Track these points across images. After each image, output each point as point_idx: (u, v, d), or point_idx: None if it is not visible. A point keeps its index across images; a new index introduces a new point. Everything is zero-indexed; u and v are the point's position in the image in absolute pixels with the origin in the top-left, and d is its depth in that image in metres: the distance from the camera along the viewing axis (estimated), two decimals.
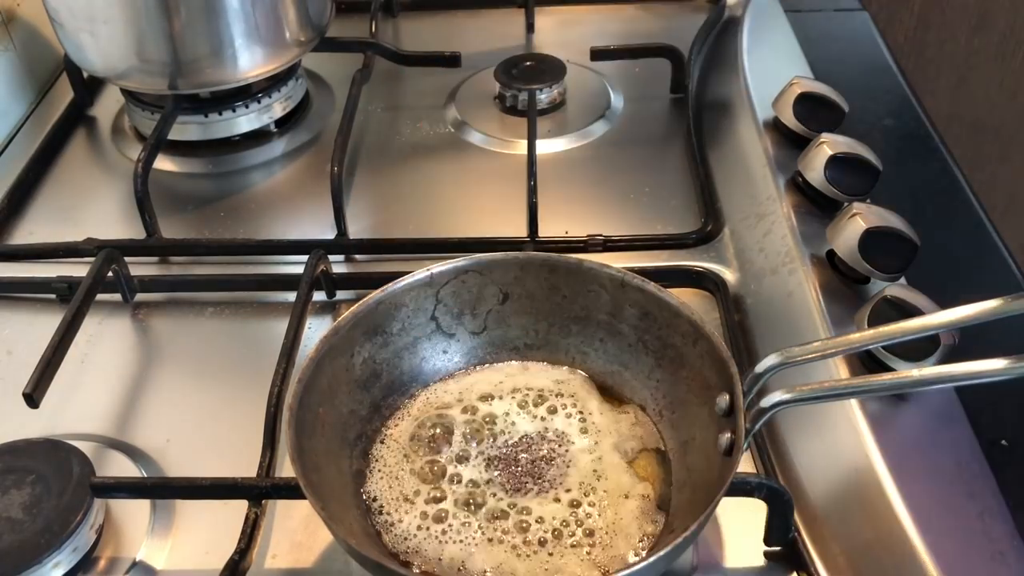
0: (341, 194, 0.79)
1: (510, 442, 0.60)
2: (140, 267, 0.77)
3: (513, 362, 0.66)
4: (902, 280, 0.66)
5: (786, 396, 0.52)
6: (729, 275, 0.74)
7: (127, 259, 0.75)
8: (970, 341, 0.57)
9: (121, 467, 0.63)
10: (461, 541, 0.55)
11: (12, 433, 0.62)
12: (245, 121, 0.91)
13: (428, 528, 0.56)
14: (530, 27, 1.08)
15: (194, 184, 0.90)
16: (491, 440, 0.60)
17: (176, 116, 0.88)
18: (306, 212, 0.85)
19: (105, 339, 0.73)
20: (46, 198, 0.87)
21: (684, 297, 0.65)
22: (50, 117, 0.95)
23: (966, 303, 0.50)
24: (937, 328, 0.54)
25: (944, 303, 0.56)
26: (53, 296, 0.76)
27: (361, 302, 0.61)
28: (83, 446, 0.61)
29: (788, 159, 0.75)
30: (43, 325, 0.69)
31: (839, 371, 0.60)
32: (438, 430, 0.61)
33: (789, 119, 0.78)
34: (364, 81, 0.96)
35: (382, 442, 0.61)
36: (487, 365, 0.66)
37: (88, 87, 0.98)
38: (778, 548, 0.57)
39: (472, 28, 1.10)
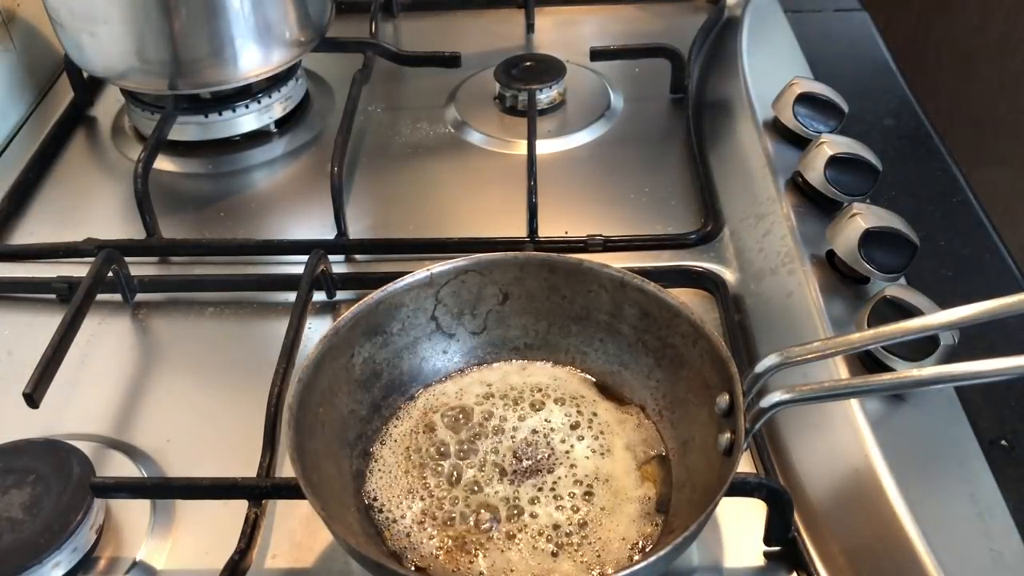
0: (341, 194, 0.79)
1: (509, 442, 0.60)
2: (140, 267, 0.77)
3: (513, 362, 0.66)
4: (902, 280, 0.66)
5: (786, 396, 0.52)
6: (729, 275, 0.74)
7: (127, 259, 0.75)
8: (970, 341, 0.57)
9: (121, 467, 0.63)
10: (461, 540, 0.55)
11: (12, 433, 0.62)
12: (245, 121, 0.91)
13: (428, 528, 0.56)
14: (530, 27, 1.08)
15: (194, 184, 0.90)
16: (490, 440, 0.60)
17: (176, 116, 0.88)
18: (306, 212, 0.85)
19: (105, 339, 0.73)
20: (46, 198, 0.87)
21: (684, 297, 0.65)
22: (50, 117, 0.95)
23: (966, 303, 0.50)
24: (937, 328, 0.54)
25: (944, 303, 0.56)
26: (53, 296, 0.76)
27: (361, 302, 0.61)
28: (83, 446, 0.61)
29: (788, 159, 0.75)
30: (43, 325, 0.69)
31: (839, 371, 0.60)
32: (438, 430, 0.61)
33: (789, 119, 0.78)
34: (364, 81, 0.96)
35: (382, 442, 0.61)
36: (487, 365, 0.66)
37: (88, 87, 0.98)
38: (778, 548, 0.57)
39: (472, 28, 1.10)
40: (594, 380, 0.65)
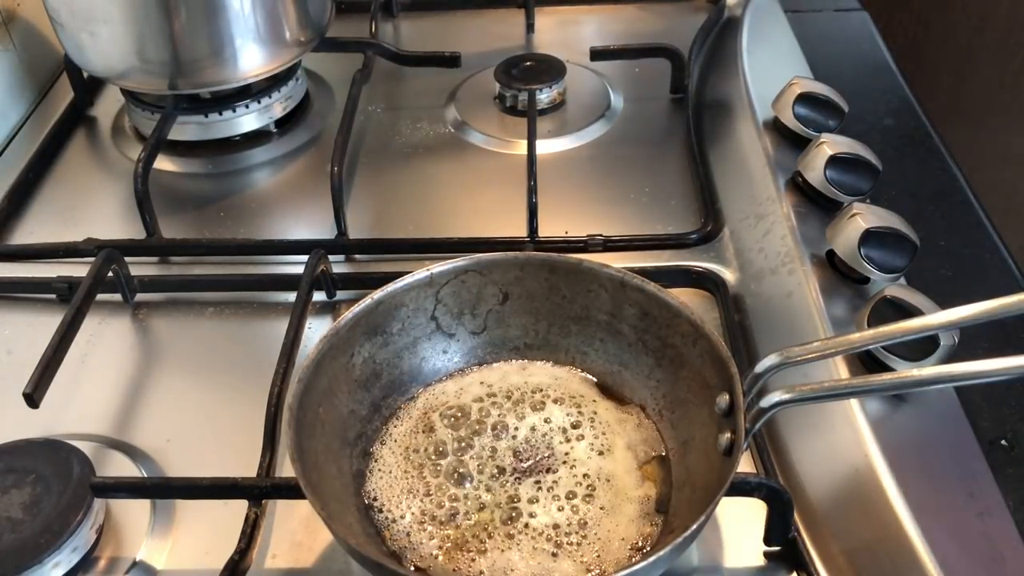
0: (341, 194, 0.79)
1: (509, 441, 0.60)
2: (140, 267, 0.77)
3: (513, 362, 0.66)
4: (902, 280, 0.66)
5: (786, 396, 0.52)
6: (729, 275, 0.74)
7: (127, 259, 0.75)
8: (970, 341, 0.57)
9: (121, 467, 0.63)
10: (461, 540, 0.55)
11: (12, 433, 0.62)
12: (245, 121, 0.91)
13: (428, 528, 0.56)
14: (530, 27, 1.08)
15: (194, 184, 0.90)
16: (490, 439, 0.60)
17: (176, 116, 0.88)
18: (306, 212, 0.85)
19: (105, 339, 0.73)
20: (46, 198, 0.87)
21: (684, 297, 0.65)
22: (50, 117, 0.95)
23: (966, 303, 0.50)
24: (937, 328, 0.54)
25: (944, 303, 0.56)
26: (53, 296, 0.76)
27: (361, 302, 0.61)
28: (83, 446, 0.61)
29: (788, 159, 0.75)
30: (43, 325, 0.69)
31: (839, 371, 0.60)
32: (438, 430, 0.61)
33: (789, 119, 0.78)
34: (364, 81, 0.96)
35: (382, 442, 0.61)
36: (487, 365, 0.66)
37: (88, 87, 0.98)
38: (778, 548, 0.57)
39: (472, 28, 1.10)
40: (594, 380, 0.65)
